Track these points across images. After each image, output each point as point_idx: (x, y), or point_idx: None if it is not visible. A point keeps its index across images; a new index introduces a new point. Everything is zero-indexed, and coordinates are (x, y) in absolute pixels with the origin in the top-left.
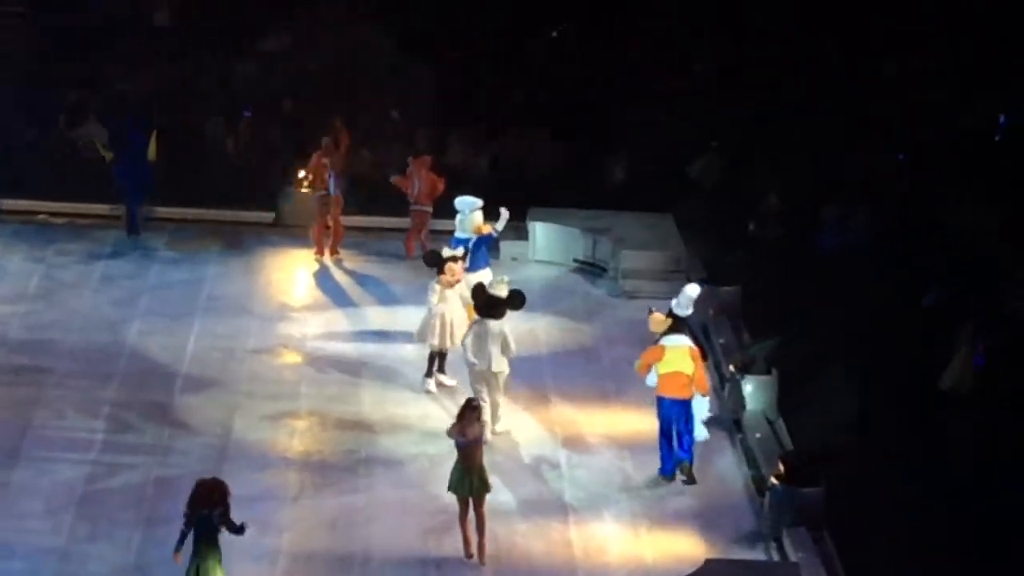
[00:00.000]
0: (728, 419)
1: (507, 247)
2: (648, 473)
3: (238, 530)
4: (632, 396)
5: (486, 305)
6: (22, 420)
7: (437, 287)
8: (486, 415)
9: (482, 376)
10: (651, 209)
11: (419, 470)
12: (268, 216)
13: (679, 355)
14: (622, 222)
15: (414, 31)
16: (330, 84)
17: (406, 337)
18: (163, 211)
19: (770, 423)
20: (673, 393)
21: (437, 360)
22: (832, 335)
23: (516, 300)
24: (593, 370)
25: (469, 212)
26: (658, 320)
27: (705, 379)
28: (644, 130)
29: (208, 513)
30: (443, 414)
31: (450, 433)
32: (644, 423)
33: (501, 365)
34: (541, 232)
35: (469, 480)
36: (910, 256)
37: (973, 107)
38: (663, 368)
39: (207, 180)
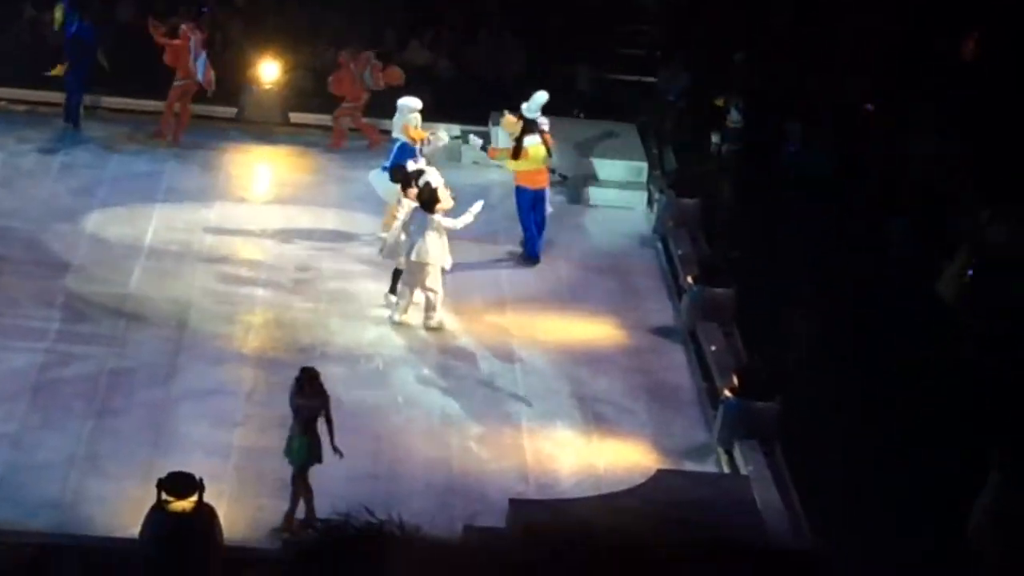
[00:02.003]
0: (682, 332)
1: (469, 152)
2: (603, 382)
3: None
4: (587, 303)
5: (430, 200)
6: None
7: (407, 203)
8: (438, 301)
9: (419, 268)
10: (615, 118)
11: (373, 371)
12: (230, 111)
13: (537, 151)
14: (585, 130)
15: None
16: None
17: (366, 238)
18: (124, 103)
19: (727, 336)
20: (535, 185)
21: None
22: (792, 251)
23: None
24: (550, 278)
25: (407, 113)
26: (511, 122)
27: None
28: (611, 39)
29: None
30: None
31: (291, 401)
32: (599, 331)
33: (424, 256)
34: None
35: (292, 446)
36: (871, 180)
37: (941, 32)
38: (527, 165)
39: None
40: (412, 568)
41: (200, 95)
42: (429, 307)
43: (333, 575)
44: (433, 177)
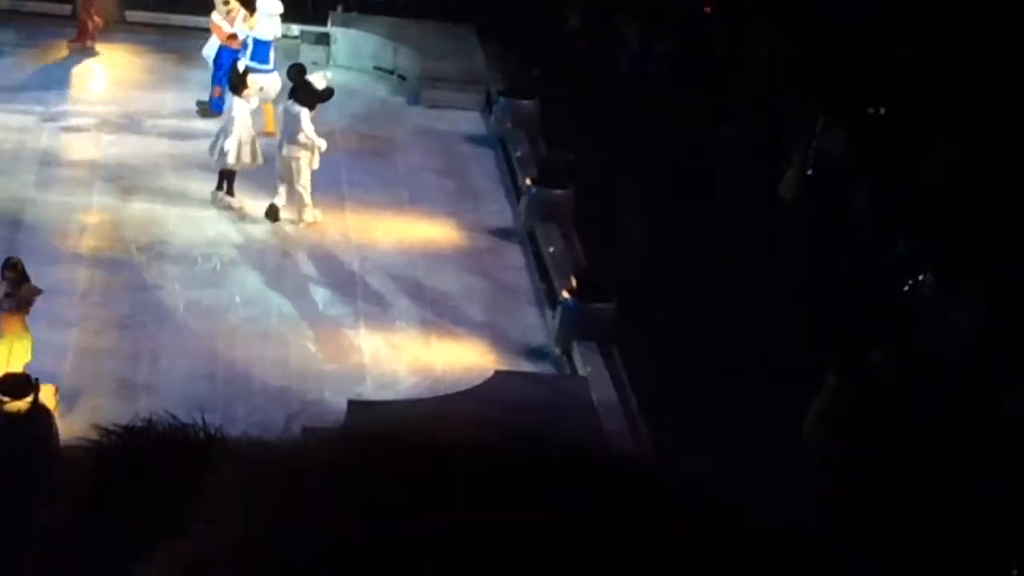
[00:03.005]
0: (521, 233)
1: (308, 51)
2: (442, 283)
3: None
4: (426, 204)
5: (306, 93)
6: None
7: (240, 104)
8: (308, 196)
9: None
10: (453, 20)
11: (211, 271)
12: (65, 9)
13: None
14: (424, 31)
15: None
16: None
17: (204, 135)
18: None
19: (565, 237)
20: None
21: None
22: (630, 154)
23: (328, 93)
24: (389, 177)
25: (269, 15)
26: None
27: None
28: None
29: None
30: (235, 216)
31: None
32: (437, 232)
33: (295, 151)
34: (342, 38)
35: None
36: (708, 84)
37: None
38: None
39: None
40: (221, 473)
41: None
42: (302, 203)
43: (134, 482)
44: (320, 79)
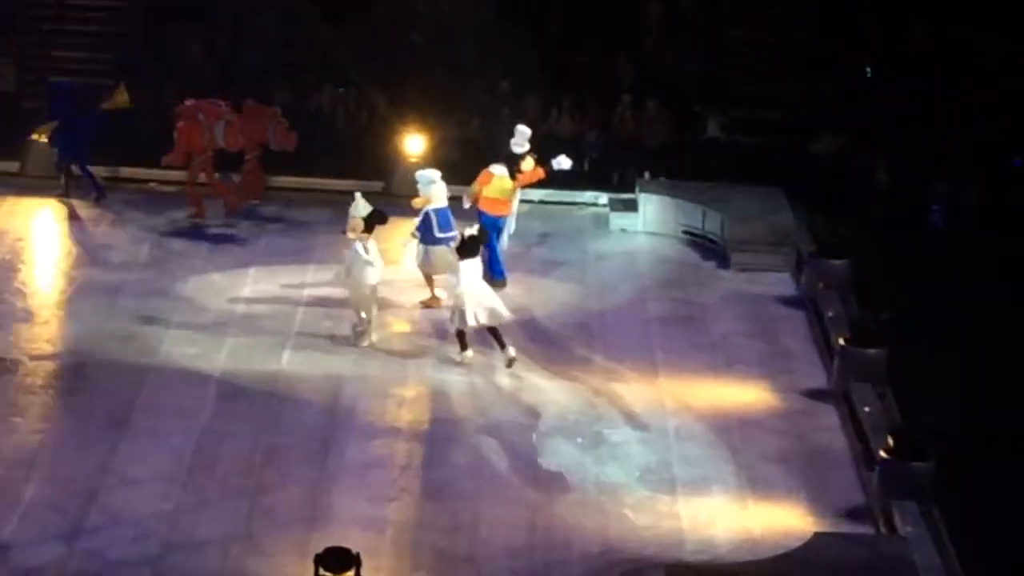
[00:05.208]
0: (835, 393)
1: (616, 218)
2: (757, 446)
3: None
4: (740, 369)
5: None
6: (132, 388)
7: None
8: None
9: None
10: (760, 181)
11: (526, 442)
12: (377, 185)
13: (502, 182)
14: (732, 194)
15: None
16: (432, 54)
17: (516, 306)
18: (274, 180)
19: (880, 397)
20: (494, 212)
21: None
22: (943, 310)
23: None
24: (702, 342)
25: (427, 184)
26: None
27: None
28: (754, 103)
29: None
30: (550, 386)
31: None
32: (752, 395)
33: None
34: (650, 203)
35: None
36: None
37: None
38: (489, 192)
39: (317, 149)
40: None
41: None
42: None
43: None
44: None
